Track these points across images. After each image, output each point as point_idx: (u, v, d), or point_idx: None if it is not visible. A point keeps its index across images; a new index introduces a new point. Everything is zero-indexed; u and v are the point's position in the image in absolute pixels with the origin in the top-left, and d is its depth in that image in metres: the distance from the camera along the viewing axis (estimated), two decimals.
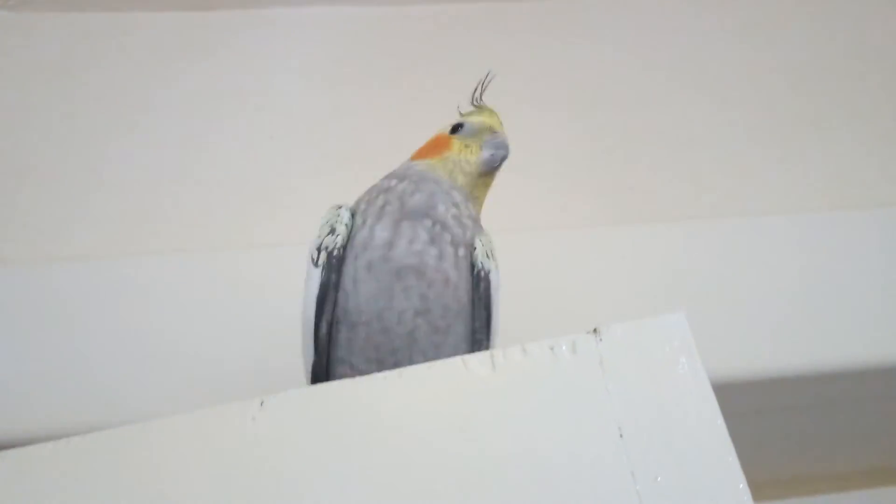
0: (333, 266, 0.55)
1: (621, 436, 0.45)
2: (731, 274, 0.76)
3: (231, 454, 0.48)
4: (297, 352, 0.61)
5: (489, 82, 0.64)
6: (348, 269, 0.55)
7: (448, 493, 0.45)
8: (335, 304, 0.56)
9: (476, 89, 0.63)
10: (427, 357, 0.54)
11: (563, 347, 0.48)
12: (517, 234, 0.85)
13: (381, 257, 0.54)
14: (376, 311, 0.54)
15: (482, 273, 0.57)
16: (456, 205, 0.57)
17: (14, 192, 0.94)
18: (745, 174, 0.93)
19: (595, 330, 0.49)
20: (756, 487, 0.43)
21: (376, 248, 0.55)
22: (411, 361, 0.54)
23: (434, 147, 0.61)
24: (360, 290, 0.55)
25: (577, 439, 0.45)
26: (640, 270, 0.77)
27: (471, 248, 0.57)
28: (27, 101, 1.00)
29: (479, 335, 0.57)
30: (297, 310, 0.68)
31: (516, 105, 1.03)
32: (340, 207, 0.58)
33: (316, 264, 0.56)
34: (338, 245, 0.56)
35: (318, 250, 0.56)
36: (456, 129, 0.61)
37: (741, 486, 0.42)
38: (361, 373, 0.54)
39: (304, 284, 0.57)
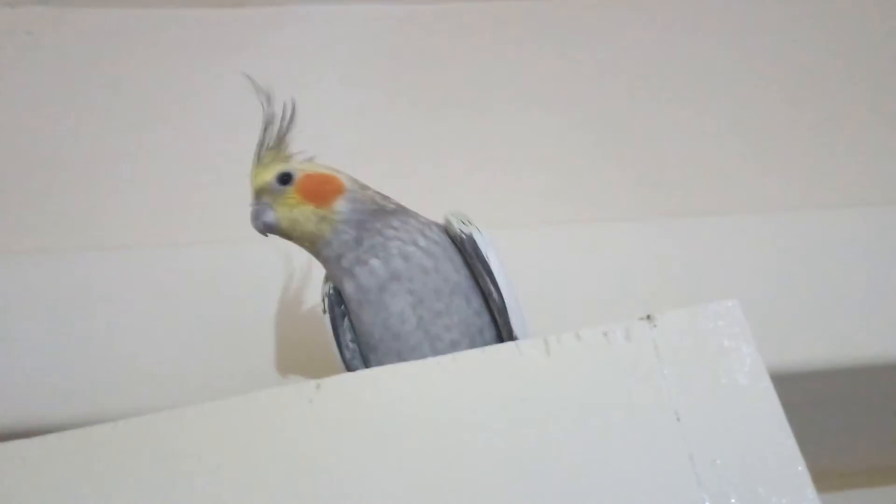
0: (333, 307, 0.60)
1: (678, 419, 0.45)
2: (779, 267, 0.77)
3: (289, 435, 0.49)
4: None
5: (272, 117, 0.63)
6: (349, 303, 0.59)
7: (504, 477, 0.46)
8: (354, 333, 0.60)
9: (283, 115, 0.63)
10: (442, 340, 0.56)
11: (618, 333, 0.49)
12: (565, 228, 0.87)
13: (363, 289, 0.57)
14: (381, 323, 0.57)
15: (463, 237, 0.58)
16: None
17: (25, 182, 0.94)
18: (793, 168, 0.94)
19: (648, 316, 0.49)
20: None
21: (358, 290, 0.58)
22: (432, 350, 0.56)
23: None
24: (362, 318, 0.58)
25: (634, 423, 0.46)
26: (687, 264, 0.77)
27: (442, 227, 0.60)
28: (59, 94, 1.01)
29: (492, 295, 0.58)
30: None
31: (565, 97, 1.06)
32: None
33: (324, 311, 0.62)
34: (328, 292, 0.61)
35: (322, 299, 0.62)
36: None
37: (800, 468, 0.43)
38: None
39: None
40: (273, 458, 0.48)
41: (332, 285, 0.61)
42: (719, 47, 1.11)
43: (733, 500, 0.43)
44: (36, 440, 0.50)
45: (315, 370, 0.73)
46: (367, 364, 0.59)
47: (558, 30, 1.13)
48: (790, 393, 0.48)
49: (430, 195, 1.02)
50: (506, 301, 0.57)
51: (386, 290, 0.56)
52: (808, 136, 0.99)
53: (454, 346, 0.56)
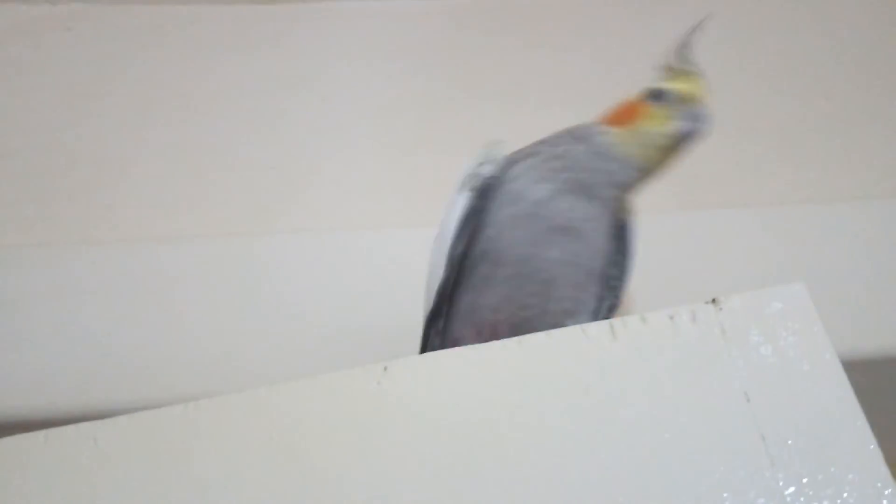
0: (479, 196, 0.57)
1: (748, 400, 0.46)
2: (844, 255, 0.78)
3: (358, 416, 0.49)
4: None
5: (697, 33, 0.57)
6: (493, 212, 0.57)
7: (574, 460, 0.46)
8: (474, 239, 0.57)
9: (682, 45, 0.57)
10: (562, 307, 0.56)
11: (684, 316, 0.49)
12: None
13: (531, 213, 0.56)
14: (521, 255, 0.56)
15: (625, 225, 0.60)
16: (625, 185, 0.57)
17: (67, 175, 0.95)
18: (851, 156, 0.94)
19: (714, 300, 0.50)
20: None
21: (527, 204, 0.56)
22: (545, 310, 0.56)
23: (626, 114, 0.57)
24: (504, 234, 0.56)
25: (704, 405, 0.46)
26: (755, 252, 0.78)
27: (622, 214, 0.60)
28: (98, 88, 1.02)
29: (613, 282, 0.60)
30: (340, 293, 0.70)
31: (595, 90, 1.05)
32: (497, 146, 0.59)
33: (463, 191, 0.58)
34: (486, 175, 0.58)
35: (469, 176, 0.58)
36: (654, 95, 0.57)
37: (872, 447, 0.43)
38: (490, 309, 0.57)
39: (444, 211, 0.59)
40: (343, 440, 0.49)
41: (489, 171, 0.58)
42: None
43: (805, 480, 0.43)
44: (108, 421, 0.51)
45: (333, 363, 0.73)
46: (471, 272, 0.57)
47: (587, 25, 1.14)
48: (858, 380, 0.48)
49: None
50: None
51: (551, 234, 0.56)
52: (868, 125, 0.99)
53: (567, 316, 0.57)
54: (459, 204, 0.58)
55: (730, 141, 0.90)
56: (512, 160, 0.59)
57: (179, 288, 0.83)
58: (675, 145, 0.56)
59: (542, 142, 0.60)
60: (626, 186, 0.58)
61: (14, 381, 0.75)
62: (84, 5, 1.05)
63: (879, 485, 0.42)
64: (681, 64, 0.57)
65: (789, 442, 0.44)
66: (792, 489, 0.43)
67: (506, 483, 0.46)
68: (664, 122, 0.55)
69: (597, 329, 0.50)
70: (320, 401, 0.50)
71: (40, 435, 0.50)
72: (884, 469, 0.42)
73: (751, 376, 0.47)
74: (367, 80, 1.08)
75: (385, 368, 0.51)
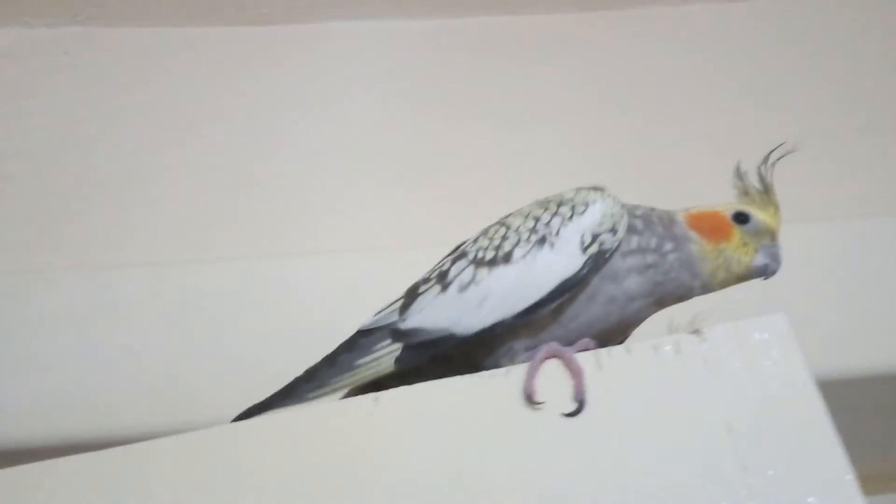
0: (598, 264, 0.53)
1: (730, 431, 0.47)
2: (823, 275, 0.79)
3: (349, 447, 0.50)
4: None
5: (780, 158, 0.57)
6: (593, 283, 0.54)
7: (558, 488, 0.47)
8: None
9: (764, 165, 0.57)
10: None
11: (668, 347, 0.50)
12: None
13: (621, 304, 0.54)
14: (589, 327, 0.54)
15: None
16: (686, 297, 0.56)
17: (72, 199, 0.96)
18: (833, 176, 0.95)
19: (697, 331, 0.51)
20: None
21: (623, 293, 0.54)
22: None
23: (714, 229, 0.55)
24: (591, 306, 0.54)
25: (686, 435, 0.47)
26: None
27: None
28: (95, 111, 1.03)
29: None
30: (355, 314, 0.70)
31: (569, 109, 1.08)
32: (623, 208, 0.55)
33: (584, 250, 0.53)
34: (612, 248, 0.53)
35: (594, 237, 0.54)
36: (740, 218, 0.56)
37: (848, 477, 0.45)
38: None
39: (534, 258, 0.54)
40: (332, 471, 0.50)
41: (616, 242, 0.53)
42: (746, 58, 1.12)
43: None
44: (96, 454, 0.52)
45: None
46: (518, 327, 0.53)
47: (582, 45, 1.15)
48: (839, 398, 0.49)
49: (456, 207, 1.05)
50: None
51: (614, 330, 0.55)
52: (847, 145, 1.00)
53: None
54: (568, 262, 0.53)
55: (706, 161, 0.91)
56: (626, 239, 0.54)
57: (184, 312, 0.84)
58: (748, 277, 0.56)
59: (649, 221, 0.56)
60: (686, 298, 0.56)
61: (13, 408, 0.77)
62: (82, 29, 1.07)
63: None
64: (765, 190, 0.57)
65: (769, 472, 0.45)
66: None
67: None
68: (748, 253, 0.55)
69: (583, 360, 0.51)
70: (311, 431, 0.51)
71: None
72: (860, 500, 0.44)
73: (733, 407, 0.48)
74: (364, 102, 1.09)
75: (376, 399, 0.52)
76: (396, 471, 0.49)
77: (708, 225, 0.56)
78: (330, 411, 0.52)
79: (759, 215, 0.56)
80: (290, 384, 0.57)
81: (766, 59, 1.13)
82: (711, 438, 0.47)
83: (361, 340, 0.57)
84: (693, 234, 0.55)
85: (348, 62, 1.11)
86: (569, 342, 0.53)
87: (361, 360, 0.55)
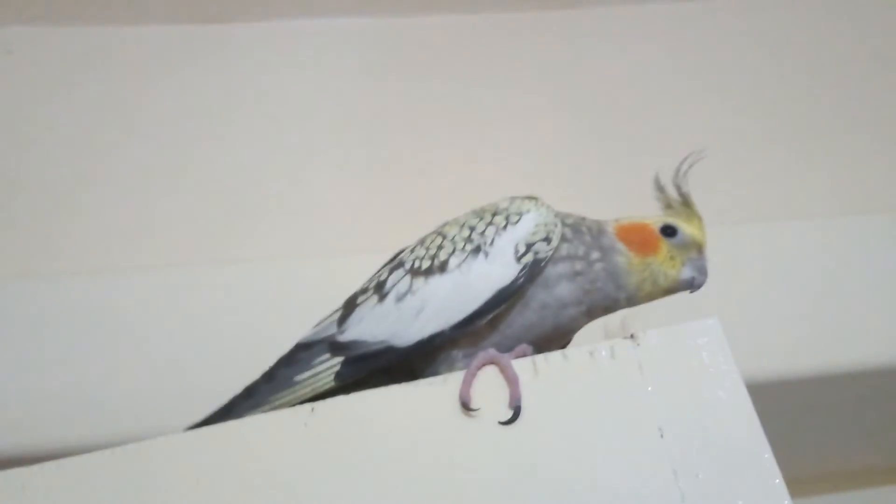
0: (534, 274, 0.52)
1: (662, 436, 0.47)
2: (752, 279, 0.80)
3: (285, 457, 0.50)
4: None
5: (693, 164, 0.58)
6: (529, 293, 0.53)
7: (492, 494, 0.47)
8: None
9: (678, 173, 0.58)
10: None
11: (603, 352, 0.51)
12: None
13: (554, 311, 0.54)
14: (525, 333, 0.54)
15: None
16: (611, 309, 0.56)
17: (9, 204, 0.94)
18: (759, 179, 0.97)
19: (632, 336, 0.51)
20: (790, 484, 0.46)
21: (555, 299, 0.54)
22: None
23: (642, 242, 0.55)
24: (525, 313, 0.54)
25: (620, 440, 0.48)
26: None
27: None
28: (38, 112, 1.01)
29: None
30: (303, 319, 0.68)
31: (527, 109, 1.07)
32: (556, 217, 0.55)
33: (518, 259, 0.53)
34: (547, 257, 0.53)
35: (528, 247, 0.53)
36: (668, 231, 0.56)
37: (777, 481, 0.45)
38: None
39: (469, 267, 0.53)
40: (268, 482, 0.49)
41: (551, 252, 0.53)
42: (696, 58, 1.13)
43: None
44: (36, 468, 0.51)
45: None
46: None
47: (542, 42, 1.15)
48: (770, 401, 0.50)
49: (416, 208, 1.04)
50: None
51: (549, 337, 0.55)
52: (779, 147, 1.02)
53: None
54: (503, 272, 0.53)
55: (635, 162, 0.92)
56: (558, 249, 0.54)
57: (123, 321, 0.82)
58: (675, 291, 0.56)
59: (577, 230, 0.56)
60: (612, 310, 0.57)
61: None
62: (25, 28, 1.04)
63: None
64: (685, 202, 0.57)
65: (699, 476, 0.46)
66: None
67: None
68: (675, 266, 0.55)
69: (519, 366, 0.51)
70: (248, 442, 0.51)
71: None
72: (787, 502, 0.44)
73: (665, 411, 0.48)
74: (319, 100, 1.08)
75: (312, 409, 0.52)
76: (332, 481, 0.49)
77: (637, 238, 0.56)
78: (266, 421, 0.52)
79: (686, 229, 0.56)
80: (229, 402, 0.56)
81: (721, 59, 1.14)
82: (645, 443, 0.47)
83: (300, 354, 0.56)
84: (621, 245, 0.55)
85: (300, 62, 1.10)
86: (508, 348, 0.53)
87: (300, 377, 0.54)
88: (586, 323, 0.56)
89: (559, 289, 0.54)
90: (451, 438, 0.49)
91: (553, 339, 0.56)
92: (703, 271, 0.56)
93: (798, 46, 1.13)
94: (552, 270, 0.54)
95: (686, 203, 0.57)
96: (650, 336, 0.51)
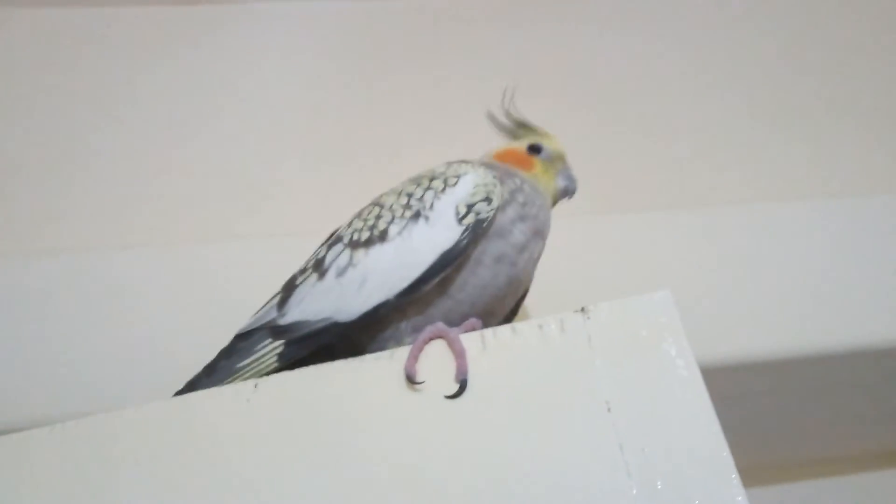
0: (477, 234, 0.51)
1: (609, 410, 0.46)
2: (714, 260, 0.78)
3: (227, 433, 0.49)
4: None
5: (513, 93, 0.61)
6: (478, 251, 0.53)
7: (439, 469, 0.46)
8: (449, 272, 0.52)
9: (505, 101, 0.61)
10: None
11: (552, 326, 0.49)
12: None
13: (511, 260, 0.54)
14: (479, 294, 0.53)
15: None
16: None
17: (4, 182, 0.93)
18: (729, 162, 0.96)
19: (583, 309, 0.50)
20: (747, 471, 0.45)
21: (512, 247, 0.54)
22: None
23: (519, 161, 0.58)
24: (478, 271, 0.53)
25: (567, 414, 0.46)
26: (625, 258, 0.78)
27: None
28: (10, 94, 1.00)
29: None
30: None
31: (502, 93, 1.05)
32: (495, 177, 0.54)
33: (460, 221, 0.52)
34: (490, 217, 0.52)
35: (468, 208, 0.52)
36: (534, 149, 0.59)
37: (724, 454, 0.44)
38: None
39: (410, 233, 0.52)
40: (209, 457, 0.48)
41: (493, 212, 0.52)
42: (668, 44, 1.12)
43: (660, 485, 0.43)
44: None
45: None
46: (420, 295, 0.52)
47: (517, 26, 1.14)
48: (722, 385, 0.49)
49: (383, 190, 1.02)
50: None
51: (510, 285, 0.55)
52: (744, 131, 1.01)
53: None
54: (447, 235, 0.52)
55: (590, 148, 0.91)
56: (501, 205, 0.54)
57: (100, 299, 0.81)
58: (556, 200, 0.60)
59: (501, 171, 0.56)
60: (544, 235, 0.58)
61: None
62: (14, 10, 1.03)
63: (731, 492, 0.43)
64: (528, 125, 0.61)
65: (645, 450, 0.44)
66: (645, 496, 0.43)
67: (375, 487, 0.46)
68: (551, 178, 0.59)
69: (467, 340, 0.50)
70: (189, 418, 0.50)
71: None
72: (734, 476, 0.43)
73: (613, 386, 0.47)
74: (290, 83, 1.07)
75: (255, 385, 0.51)
76: (275, 456, 0.48)
77: (513, 159, 0.59)
78: (208, 397, 0.51)
79: (548, 143, 0.60)
80: (174, 396, 0.54)
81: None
82: (592, 417, 0.46)
83: (240, 345, 0.55)
84: (514, 169, 0.58)
85: (270, 44, 1.09)
86: (461, 314, 0.52)
87: (241, 363, 0.53)
88: (541, 250, 0.57)
89: (515, 232, 0.54)
90: (397, 413, 0.48)
91: (510, 294, 0.55)
92: (572, 179, 0.60)
93: (799, 33, 1.12)
94: (503, 218, 0.54)
95: (528, 126, 0.61)
96: (600, 309, 0.49)
